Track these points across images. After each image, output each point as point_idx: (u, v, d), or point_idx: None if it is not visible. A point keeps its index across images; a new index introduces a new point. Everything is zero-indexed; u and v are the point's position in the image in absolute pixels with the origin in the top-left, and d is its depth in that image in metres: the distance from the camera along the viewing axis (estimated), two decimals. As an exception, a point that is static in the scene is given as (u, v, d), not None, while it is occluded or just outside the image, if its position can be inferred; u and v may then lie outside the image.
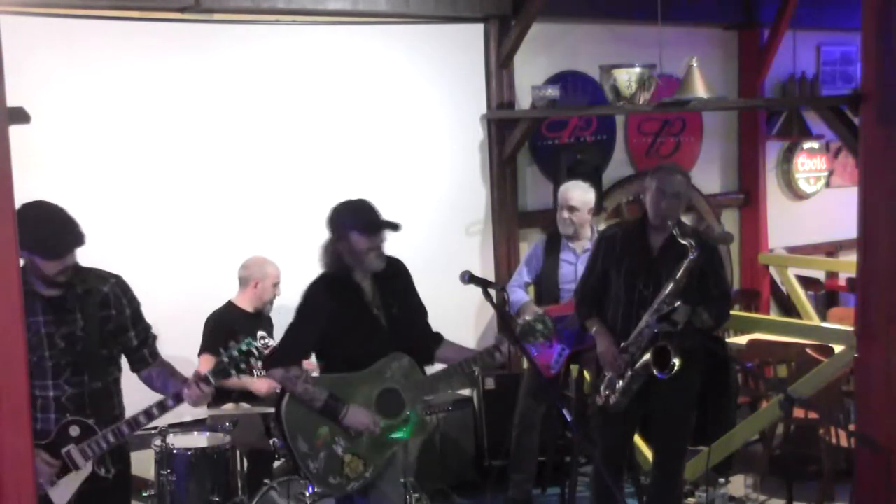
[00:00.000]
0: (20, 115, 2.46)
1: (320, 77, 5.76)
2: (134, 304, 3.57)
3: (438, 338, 4.14)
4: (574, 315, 5.09)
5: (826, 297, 8.04)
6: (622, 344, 4.39)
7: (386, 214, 5.96)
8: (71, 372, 3.40)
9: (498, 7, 6.28)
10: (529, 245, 5.97)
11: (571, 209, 5.40)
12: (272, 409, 4.84)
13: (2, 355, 2.21)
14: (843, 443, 5.26)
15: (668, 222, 4.34)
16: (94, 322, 3.44)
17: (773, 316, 7.57)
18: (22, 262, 3.32)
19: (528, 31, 6.23)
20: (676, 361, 4.28)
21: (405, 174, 6.07)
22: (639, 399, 4.43)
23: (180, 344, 5.12)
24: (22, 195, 2.36)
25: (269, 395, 5.05)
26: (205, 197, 5.44)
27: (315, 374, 4.10)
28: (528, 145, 6.57)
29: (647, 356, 4.33)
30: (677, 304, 4.22)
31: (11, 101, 2.25)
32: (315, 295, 3.97)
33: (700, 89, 5.46)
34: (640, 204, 6.96)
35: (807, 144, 8.06)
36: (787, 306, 7.74)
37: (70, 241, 3.34)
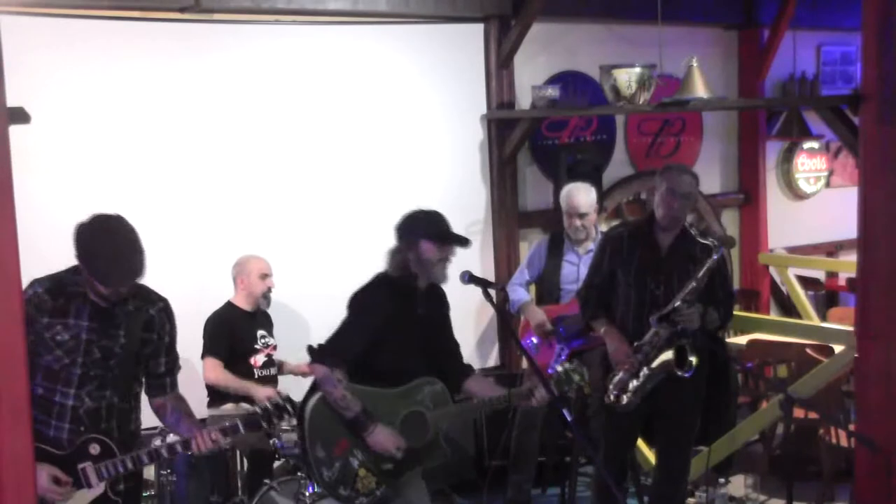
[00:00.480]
0: (20, 115, 2.47)
1: (320, 77, 5.76)
2: (173, 333, 3.54)
3: (469, 369, 4.15)
4: (574, 315, 5.09)
5: (826, 297, 8.04)
6: (635, 343, 4.37)
7: (386, 214, 6.00)
8: (96, 385, 3.34)
9: (498, 7, 6.28)
10: (529, 245, 5.98)
11: (582, 216, 5.39)
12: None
13: (2, 355, 2.21)
14: (843, 443, 5.26)
15: (678, 222, 4.37)
16: (135, 342, 3.41)
17: (773, 316, 7.57)
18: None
19: (528, 31, 6.23)
20: (694, 360, 4.29)
21: (405, 174, 6.07)
22: (645, 399, 4.42)
23: (180, 344, 5.13)
24: (22, 195, 2.36)
25: (264, 400, 5.04)
26: (205, 197, 5.44)
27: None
28: (528, 145, 6.57)
29: (667, 355, 4.31)
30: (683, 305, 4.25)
31: (11, 101, 2.25)
32: (375, 295, 3.92)
33: (700, 89, 5.46)
34: (640, 204, 6.99)
35: (807, 144, 8.06)
36: (787, 306, 7.74)
37: (124, 274, 3.29)
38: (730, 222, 7.65)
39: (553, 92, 6.02)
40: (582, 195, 5.42)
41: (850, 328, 4.79)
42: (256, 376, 5.10)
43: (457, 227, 6.12)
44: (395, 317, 3.88)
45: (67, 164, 5.04)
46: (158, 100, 5.27)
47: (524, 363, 6.13)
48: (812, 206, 8.18)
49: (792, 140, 7.85)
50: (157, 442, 4.28)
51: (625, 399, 4.40)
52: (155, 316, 3.47)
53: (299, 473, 4.27)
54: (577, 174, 5.99)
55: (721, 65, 7.46)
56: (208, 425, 4.61)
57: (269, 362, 5.23)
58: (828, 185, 8.29)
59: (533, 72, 6.51)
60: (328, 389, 3.78)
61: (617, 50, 6.60)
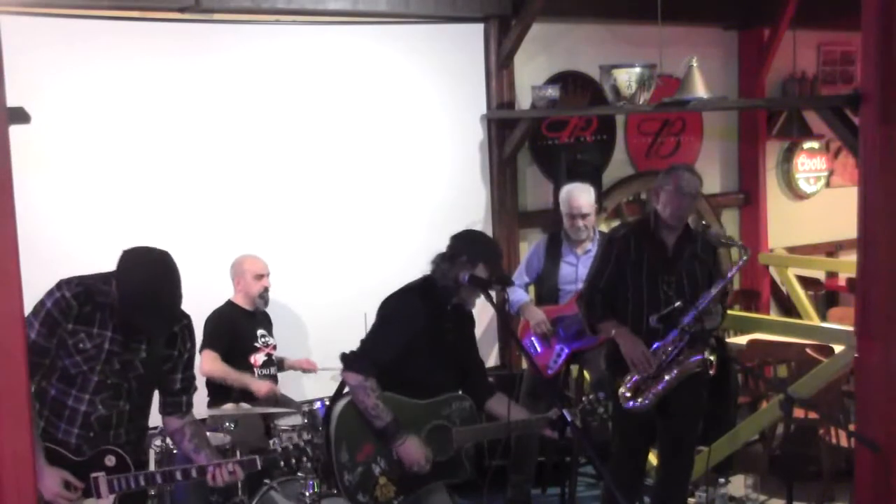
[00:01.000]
0: (20, 115, 2.47)
1: (320, 77, 5.77)
2: (193, 350, 3.53)
3: (492, 389, 4.14)
4: (573, 315, 5.09)
5: (826, 297, 8.04)
6: (657, 344, 4.33)
7: (386, 214, 6.01)
8: (111, 395, 3.32)
9: (498, 7, 6.28)
10: (529, 245, 5.97)
11: (584, 216, 5.39)
12: (272, 410, 4.87)
13: (2, 355, 2.21)
14: (843, 443, 5.26)
15: (684, 221, 4.42)
16: (156, 358, 3.39)
17: (773, 316, 7.57)
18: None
19: (528, 31, 6.23)
20: (712, 358, 4.33)
21: (405, 174, 6.08)
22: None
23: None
24: (22, 195, 2.36)
25: (268, 396, 5.05)
26: (205, 197, 5.44)
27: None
28: (528, 145, 6.57)
29: (704, 354, 4.31)
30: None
31: (11, 101, 2.25)
32: (411, 306, 3.89)
33: (700, 89, 5.45)
34: (640, 204, 6.98)
35: (807, 144, 8.06)
36: (787, 306, 7.73)
37: (150, 327, 3.28)
38: (730, 222, 7.65)
39: (553, 92, 6.02)
40: (583, 196, 5.42)
41: (850, 328, 4.78)
42: (257, 375, 5.11)
43: (457, 227, 6.16)
44: (428, 327, 3.86)
45: (67, 164, 5.04)
46: (158, 100, 5.27)
47: (524, 363, 6.14)
48: (812, 206, 8.18)
49: (792, 140, 7.85)
50: (157, 442, 4.31)
51: (646, 401, 4.36)
52: (178, 332, 3.45)
53: (299, 473, 4.27)
54: (577, 174, 5.99)
55: (721, 65, 7.46)
56: (208, 425, 4.65)
57: (269, 361, 5.23)
58: (828, 185, 8.29)
59: (533, 72, 6.51)
60: (361, 398, 3.77)
61: (617, 50, 6.60)
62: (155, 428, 4.26)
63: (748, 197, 7.74)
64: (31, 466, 2.30)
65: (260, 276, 5.20)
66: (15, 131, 2.26)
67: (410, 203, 6.10)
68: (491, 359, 6.46)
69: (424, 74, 6.12)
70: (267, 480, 4.46)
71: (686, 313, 4.32)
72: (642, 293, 4.40)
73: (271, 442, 4.58)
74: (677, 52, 6.18)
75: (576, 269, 5.39)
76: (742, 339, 6.21)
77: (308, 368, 5.42)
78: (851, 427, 4.92)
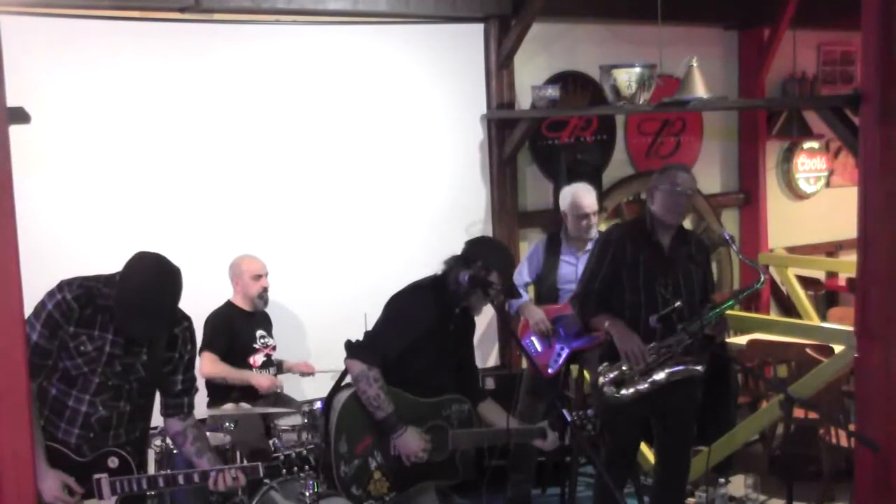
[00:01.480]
0: (20, 115, 2.47)
1: (320, 77, 5.76)
2: (193, 352, 3.53)
3: (485, 395, 4.16)
4: (573, 315, 5.08)
5: (826, 297, 8.04)
6: (655, 343, 4.31)
7: (386, 214, 6.01)
8: (111, 396, 3.32)
9: (498, 7, 6.28)
10: (529, 245, 5.97)
11: (588, 216, 5.38)
12: (272, 410, 4.87)
13: (2, 355, 2.21)
14: (843, 443, 5.26)
15: (680, 221, 4.42)
16: (157, 361, 3.39)
17: (773, 316, 7.57)
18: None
19: (528, 31, 6.23)
20: (700, 368, 4.37)
21: (405, 174, 6.08)
22: (643, 400, 4.40)
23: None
24: (22, 195, 2.36)
25: (270, 391, 5.06)
26: (205, 197, 5.44)
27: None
28: (528, 145, 6.57)
29: (700, 367, 4.33)
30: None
31: (11, 101, 2.25)
32: (421, 304, 3.90)
33: (700, 89, 5.45)
34: (640, 204, 6.98)
35: (807, 144, 8.06)
36: (787, 306, 7.73)
37: (145, 331, 3.27)
38: (730, 222, 7.65)
39: (553, 92, 6.02)
40: (587, 196, 5.41)
41: (850, 328, 4.78)
42: (258, 371, 5.11)
43: (457, 227, 6.23)
44: (435, 328, 3.87)
45: (67, 164, 5.04)
46: (158, 100, 5.27)
47: (524, 363, 6.14)
48: (812, 206, 8.18)
49: (792, 140, 7.85)
50: (158, 442, 4.30)
51: (620, 393, 4.34)
52: (179, 335, 3.45)
53: (299, 473, 4.27)
54: (577, 174, 5.99)
55: (721, 65, 7.46)
56: (208, 425, 4.65)
57: (269, 362, 5.23)
58: (828, 185, 8.29)
59: (533, 72, 6.51)
60: (363, 387, 3.76)
61: (617, 50, 6.60)
62: (154, 428, 4.26)
63: (748, 197, 7.74)
64: (31, 466, 2.30)
65: (258, 277, 5.20)
66: (15, 131, 2.26)
67: (410, 203, 6.10)
68: (491, 359, 6.47)
69: (424, 74, 6.12)
70: (267, 480, 4.45)
71: (690, 320, 4.31)
72: (639, 295, 4.38)
73: (271, 442, 4.57)
74: (677, 52, 6.17)
75: (575, 269, 5.39)
76: (742, 339, 6.21)
77: (306, 371, 5.42)
78: (851, 427, 4.92)
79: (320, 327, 5.68)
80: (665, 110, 6.09)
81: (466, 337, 4.10)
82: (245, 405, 4.89)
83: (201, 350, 4.98)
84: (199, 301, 5.10)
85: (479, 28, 6.32)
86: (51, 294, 3.24)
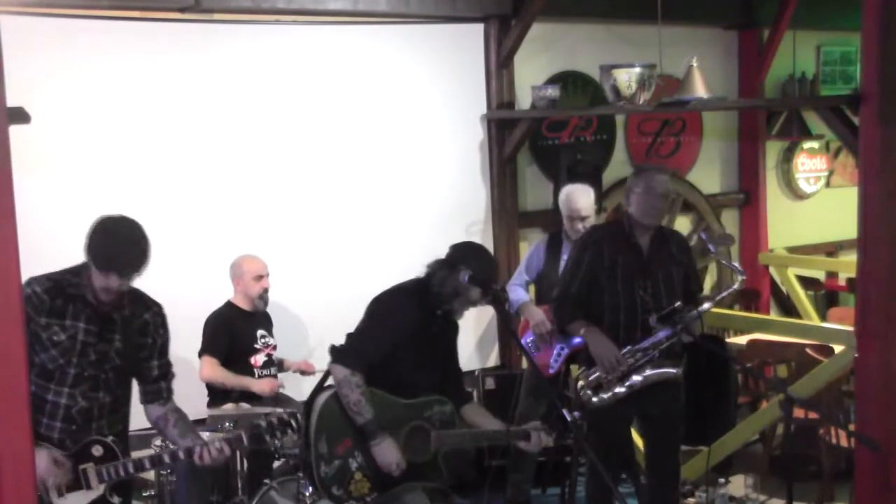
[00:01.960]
0: (20, 115, 2.47)
1: (320, 77, 5.76)
2: (166, 336, 3.57)
3: (469, 397, 4.18)
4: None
5: (826, 297, 8.04)
6: (630, 347, 4.31)
7: (386, 214, 6.01)
8: (90, 386, 3.36)
9: (498, 7, 6.28)
10: (529, 245, 5.97)
11: (583, 218, 5.38)
12: (272, 410, 4.86)
13: (2, 355, 2.21)
14: (843, 443, 5.26)
15: (659, 222, 4.39)
16: (131, 346, 3.43)
17: (773, 316, 7.57)
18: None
19: (528, 31, 6.23)
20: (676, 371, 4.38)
21: (405, 174, 6.08)
22: (629, 403, 4.38)
23: (180, 344, 5.13)
24: (22, 195, 2.36)
25: (272, 394, 5.05)
26: (205, 197, 5.44)
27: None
28: (528, 145, 6.57)
29: (677, 370, 4.32)
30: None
31: (11, 101, 2.24)
32: (405, 307, 3.93)
33: (700, 89, 5.46)
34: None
35: (807, 144, 8.06)
36: (787, 306, 7.74)
37: (123, 265, 3.30)
38: (730, 222, 7.65)
39: (553, 92, 6.02)
40: (583, 198, 5.40)
41: (850, 328, 4.78)
42: (257, 376, 5.11)
43: (457, 227, 6.23)
44: (417, 332, 3.89)
45: (67, 164, 5.04)
46: (158, 100, 5.27)
47: (524, 363, 6.14)
48: (812, 206, 8.18)
49: (792, 140, 7.85)
50: (158, 442, 4.31)
51: (599, 398, 4.33)
52: (150, 320, 3.50)
53: (299, 473, 4.27)
54: (577, 174, 5.99)
55: (721, 65, 7.46)
56: (208, 425, 4.65)
57: (269, 362, 5.23)
58: (828, 185, 8.29)
59: (533, 72, 6.51)
60: (345, 392, 3.79)
61: (617, 50, 6.60)
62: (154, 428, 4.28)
63: (748, 197, 7.74)
64: (31, 466, 2.30)
65: (259, 277, 5.20)
66: (15, 131, 2.26)
67: (410, 203, 6.10)
68: (491, 359, 6.47)
69: (424, 74, 6.12)
70: (267, 480, 4.46)
71: (666, 327, 4.29)
72: (618, 298, 4.35)
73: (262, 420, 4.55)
74: (677, 52, 6.18)
75: (576, 269, 5.38)
76: (742, 339, 6.21)
77: (307, 370, 5.42)
78: (851, 427, 4.92)
79: (321, 327, 5.67)
80: (665, 110, 6.10)
81: (449, 339, 4.12)
82: (245, 405, 4.89)
83: (201, 354, 4.99)
84: (199, 301, 5.15)
85: (479, 28, 6.32)
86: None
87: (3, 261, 2.21)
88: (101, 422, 3.40)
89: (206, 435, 4.52)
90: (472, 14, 6.24)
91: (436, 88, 6.17)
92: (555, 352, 5.35)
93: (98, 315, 3.35)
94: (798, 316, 7.39)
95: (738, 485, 5.77)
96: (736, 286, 4.48)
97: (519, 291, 5.51)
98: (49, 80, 4.94)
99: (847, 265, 7.12)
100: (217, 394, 5.06)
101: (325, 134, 5.80)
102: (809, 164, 8.16)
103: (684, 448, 5.85)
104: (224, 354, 5.03)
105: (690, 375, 5.52)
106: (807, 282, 7.72)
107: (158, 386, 3.55)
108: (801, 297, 7.49)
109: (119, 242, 3.31)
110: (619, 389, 4.33)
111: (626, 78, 5.57)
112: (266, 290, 5.23)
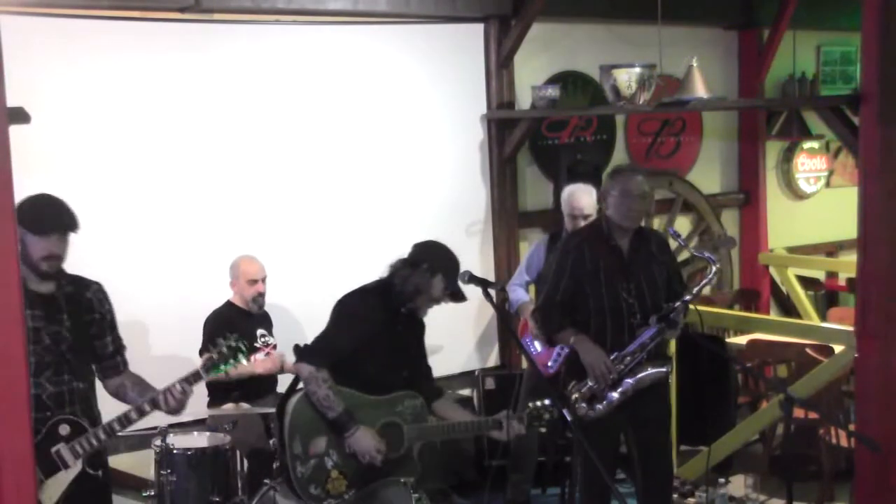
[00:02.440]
0: (20, 115, 2.47)
1: (320, 77, 5.76)
2: (112, 312, 3.64)
3: (439, 391, 4.21)
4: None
5: (826, 297, 8.04)
6: (617, 353, 4.27)
7: (386, 214, 6.01)
8: (53, 371, 3.40)
9: (498, 7, 6.28)
10: (529, 245, 5.97)
11: (585, 217, 5.37)
12: (272, 410, 4.86)
13: (2, 355, 2.21)
14: (843, 443, 5.26)
15: (638, 223, 4.36)
16: (80, 324, 3.48)
17: (773, 316, 7.57)
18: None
19: (528, 31, 6.23)
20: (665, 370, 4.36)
21: (405, 174, 6.07)
22: (619, 409, 4.32)
23: (181, 344, 5.14)
24: (22, 195, 2.36)
25: (275, 370, 5.07)
26: (205, 197, 5.44)
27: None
28: (528, 145, 6.57)
29: (665, 369, 4.30)
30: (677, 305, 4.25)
31: (11, 101, 2.24)
32: (366, 303, 3.98)
33: (700, 89, 5.45)
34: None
35: (807, 144, 8.06)
36: (787, 306, 7.74)
37: (61, 221, 3.39)
38: (730, 222, 7.65)
39: (553, 92, 6.02)
40: (585, 197, 5.40)
41: (850, 328, 4.79)
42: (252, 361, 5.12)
43: (457, 227, 6.23)
44: (383, 330, 3.94)
45: (67, 164, 5.03)
46: (158, 100, 5.26)
47: (524, 363, 6.14)
48: (812, 206, 8.18)
49: (792, 140, 7.85)
50: (158, 442, 4.30)
51: (594, 409, 4.29)
52: (92, 298, 3.56)
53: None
54: (577, 174, 5.99)
55: (721, 65, 7.46)
56: (208, 425, 4.66)
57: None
58: (828, 185, 8.29)
59: (533, 72, 6.51)
60: (313, 388, 3.83)
61: (617, 50, 6.60)
62: (154, 428, 4.28)
63: (748, 197, 7.74)
64: (31, 466, 2.30)
65: (254, 282, 5.19)
66: (15, 131, 2.26)
67: (410, 203, 6.09)
68: (491, 359, 6.47)
69: (424, 74, 6.12)
70: (267, 481, 4.46)
71: (649, 327, 4.27)
72: (603, 302, 4.30)
73: (271, 442, 4.57)
74: (677, 52, 6.18)
75: (576, 269, 5.38)
76: (742, 339, 6.21)
77: None
78: (851, 427, 4.92)
79: (320, 327, 5.65)
80: (665, 110, 6.09)
81: (415, 337, 4.15)
82: (245, 405, 4.89)
83: (201, 353, 4.98)
84: (199, 301, 5.16)
85: (479, 28, 6.32)
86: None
87: (3, 261, 2.21)
88: (74, 407, 3.44)
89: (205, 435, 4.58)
90: (471, 14, 6.24)
91: (436, 88, 6.17)
92: (555, 352, 5.35)
93: (41, 299, 3.40)
94: (798, 316, 7.39)
95: (738, 485, 5.77)
96: (711, 276, 4.39)
97: (519, 291, 5.51)
98: (49, 80, 4.93)
99: (847, 265, 7.12)
100: (217, 394, 5.06)
101: (325, 134, 5.80)
102: (809, 164, 8.16)
103: (684, 448, 5.87)
104: (224, 355, 5.03)
105: (690, 375, 5.54)
106: (807, 282, 7.72)
107: (115, 361, 3.64)
108: (801, 297, 7.49)
109: (48, 205, 3.42)
110: (614, 395, 4.30)
111: (626, 78, 5.56)
112: (261, 295, 5.22)
